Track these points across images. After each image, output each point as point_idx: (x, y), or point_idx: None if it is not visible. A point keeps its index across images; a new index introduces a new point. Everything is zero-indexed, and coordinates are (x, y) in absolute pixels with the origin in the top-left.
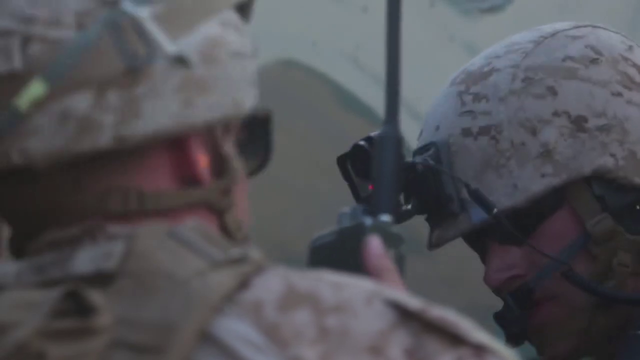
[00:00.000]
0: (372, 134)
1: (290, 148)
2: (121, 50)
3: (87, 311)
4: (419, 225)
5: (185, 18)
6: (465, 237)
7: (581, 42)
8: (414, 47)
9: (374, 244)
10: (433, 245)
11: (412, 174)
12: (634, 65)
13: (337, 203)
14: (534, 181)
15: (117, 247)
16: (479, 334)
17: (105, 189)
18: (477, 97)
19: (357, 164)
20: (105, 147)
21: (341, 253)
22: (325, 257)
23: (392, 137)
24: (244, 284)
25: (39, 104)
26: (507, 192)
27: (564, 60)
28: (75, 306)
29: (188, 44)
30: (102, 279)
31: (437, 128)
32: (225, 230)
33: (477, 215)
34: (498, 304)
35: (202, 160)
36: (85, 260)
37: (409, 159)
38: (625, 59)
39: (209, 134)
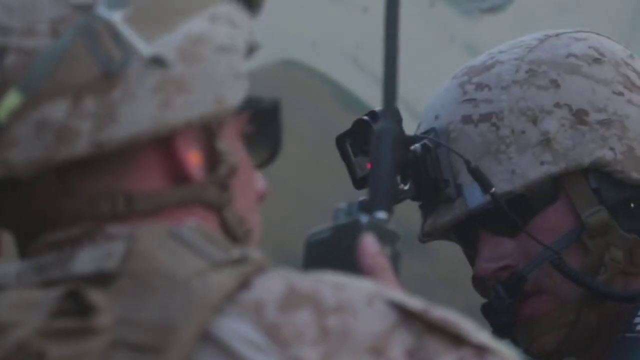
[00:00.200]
0: (376, 109)
1: (290, 148)
2: (96, 55)
3: (88, 311)
4: (418, 225)
5: (163, 17)
6: (456, 227)
7: (585, 43)
8: (414, 47)
9: (369, 242)
10: (425, 234)
11: (410, 157)
12: (635, 71)
13: (338, 203)
14: (532, 168)
15: (117, 248)
16: (480, 335)
17: (95, 192)
18: (480, 86)
19: (358, 139)
20: (84, 154)
21: (336, 250)
22: (320, 253)
23: (389, 131)
24: (244, 284)
25: (16, 115)
26: (505, 178)
27: (567, 57)
28: (75, 306)
29: (166, 43)
30: (102, 279)
31: (437, 117)
32: (225, 225)
33: (474, 200)
34: None
35: (193, 158)
36: (85, 260)
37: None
38: (627, 64)
39: (204, 129)
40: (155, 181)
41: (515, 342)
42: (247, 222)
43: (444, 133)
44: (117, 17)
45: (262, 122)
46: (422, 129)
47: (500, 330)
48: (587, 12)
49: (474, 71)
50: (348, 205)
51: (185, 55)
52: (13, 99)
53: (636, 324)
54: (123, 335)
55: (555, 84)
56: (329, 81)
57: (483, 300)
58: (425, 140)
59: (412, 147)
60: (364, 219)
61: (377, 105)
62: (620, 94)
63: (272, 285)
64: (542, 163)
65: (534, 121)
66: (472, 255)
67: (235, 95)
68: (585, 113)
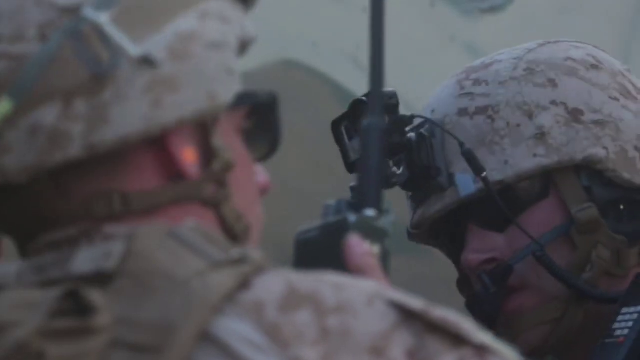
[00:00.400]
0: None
1: (290, 147)
2: (84, 58)
3: (87, 311)
4: None
5: (152, 16)
6: (445, 219)
7: (584, 51)
8: (414, 47)
9: (356, 242)
10: (414, 225)
11: (405, 142)
12: (631, 82)
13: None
14: (525, 159)
15: (116, 247)
16: (481, 335)
17: (90, 193)
18: (477, 82)
19: (355, 120)
20: (77, 157)
21: (325, 249)
22: (309, 252)
23: (377, 128)
24: (244, 284)
25: (8, 121)
26: (497, 167)
27: (565, 60)
28: (74, 306)
29: (155, 42)
30: (101, 278)
31: (433, 111)
32: (223, 222)
33: (465, 188)
34: None
35: (188, 155)
36: (84, 260)
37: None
38: (624, 75)
39: (198, 126)
40: (151, 180)
41: (498, 338)
42: (246, 218)
43: (440, 124)
44: (104, 19)
45: (260, 117)
46: (418, 121)
47: (483, 322)
48: (587, 12)
49: (472, 69)
50: (337, 202)
51: (175, 54)
52: (4, 106)
53: (615, 330)
54: (122, 335)
55: (552, 83)
56: (328, 81)
57: None
58: (421, 130)
59: (408, 135)
60: (351, 217)
61: None
62: (616, 99)
63: (272, 285)
64: (535, 155)
65: (530, 116)
66: (456, 254)
67: (227, 91)
68: (581, 112)
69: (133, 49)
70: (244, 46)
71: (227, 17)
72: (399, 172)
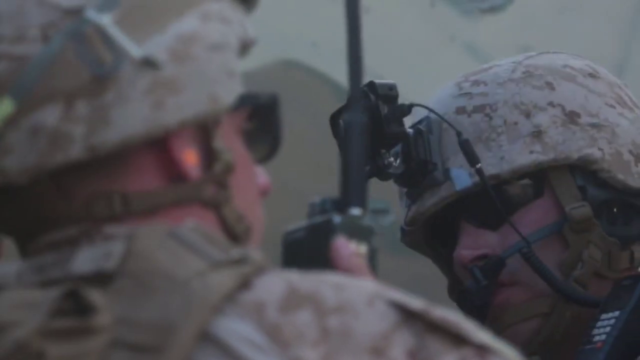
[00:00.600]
0: (376, 81)
1: (290, 148)
2: (86, 59)
3: (87, 311)
4: None
5: (154, 18)
6: (438, 216)
7: (582, 62)
8: (414, 47)
9: (342, 244)
10: (408, 222)
11: (401, 133)
12: (627, 94)
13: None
14: (521, 155)
15: (116, 247)
16: (481, 334)
17: (91, 194)
18: (476, 83)
19: None
20: (78, 158)
21: (312, 250)
22: (296, 253)
23: (357, 123)
24: (245, 284)
25: (10, 122)
26: (493, 162)
27: (564, 66)
28: (74, 306)
29: (157, 44)
30: (101, 278)
31: (431, 112)
32: (224, 223)
33: (461, 182)
34: None
35: (189, 157)
36: (85, 260)
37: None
38: (620, 87)
39: (200, 128)
40: (152, 181)
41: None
42: (246, 220)
43: (437, 123)
44: (106, 20)
45: (261, 118)
46: (416, 119)
47: (472, 317)
48: (587, 12)
49: (471, 73)
50: (321, 200)
51: (177, 55)
52: (6, 106)
53: (594, 335)
54: (122, 335)
55: (550, 86)
56: (329, 81)
57: None
58: (419, 126)
59: (408, 130)
60: (336, 218)
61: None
62: (612, 106)
63: (272, 285)
64: (531, 152)
65: (527, 115)
66: (446, 257)
67: (229, 93)
68: (577, 115)
69: (135, 51)
70: (245, 47)
71: (228, 18)
72: (396, 164)
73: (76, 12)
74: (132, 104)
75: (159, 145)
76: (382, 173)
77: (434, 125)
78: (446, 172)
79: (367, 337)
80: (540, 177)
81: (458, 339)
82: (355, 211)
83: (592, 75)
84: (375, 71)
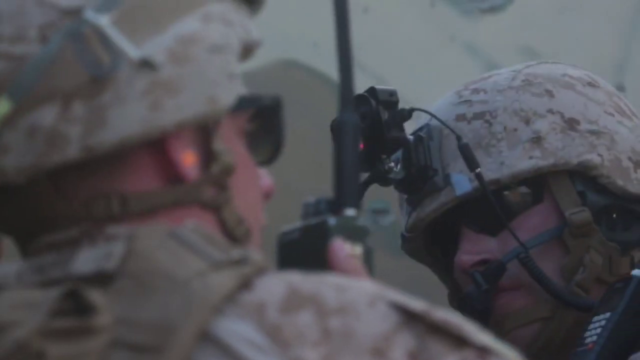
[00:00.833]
0: (377, 86)
1: (291, 148)
2: (84, 60)
3: (87, 311)
4: None
5: (153, 19)
6: (439, 222)
7: (581, 71)
8: (414, 47)
9: (338, 246)
10: (409, 228)
11: (403, 138)
12: (626, 104)
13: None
14: (521, 160)
15: (117, 248)
16: (482, 336)
17: (90, 194)
18: (476, 91)
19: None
20: (74, 159)
21: (307, 251)
22: (291, 255)
23: (350, 123)
24: (246, 285)
25: (7, 121)
26: (493, 168)
27: (563, 75)
28: (75, 306)
29: (156, 45)
30: (102, 279)
31: (431, 119)
32: (224, 225)
33: (461, 187)
34: None
35: (187, 158)
36: (85, 260)
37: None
38: (619, 97)
39: (199, 129)
40: (150, 182)
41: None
42: (246, 222)
43: (437, 130)
44: (104, 21)
45: (264, 120)
46: (416, 126)
47: (474, 321)
48: (587, 12)
49: (471, 82)
50: (316, 201)
51: (176, 57)
52: (3, 106)
53: (586, 338)
54: (123, 335)
55: (549, 94)
56: (329, 81)
57: None
58: (420, 133)
59: (410, 136)
60: (331, 220)
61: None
62: (611, 114)
63: (273, 286)
64: (531, 157)
65: (527, 121)
66: (446, 265)
67: (228, 94)
68: (577, 122)
69: (133, 52)
70: (248, 50)
71: (230, 20)
72: (396, 169)
73: (75, 13)
74: (129, 105)
75: (157, 146)
76: (383, 178)
77: (434, 131)
78: (446, 178)
79: (368, 338)
80: (539, 182)
81: (459, 341)
82: (350, 212)
83: (591, 84)
84: (375, 71)
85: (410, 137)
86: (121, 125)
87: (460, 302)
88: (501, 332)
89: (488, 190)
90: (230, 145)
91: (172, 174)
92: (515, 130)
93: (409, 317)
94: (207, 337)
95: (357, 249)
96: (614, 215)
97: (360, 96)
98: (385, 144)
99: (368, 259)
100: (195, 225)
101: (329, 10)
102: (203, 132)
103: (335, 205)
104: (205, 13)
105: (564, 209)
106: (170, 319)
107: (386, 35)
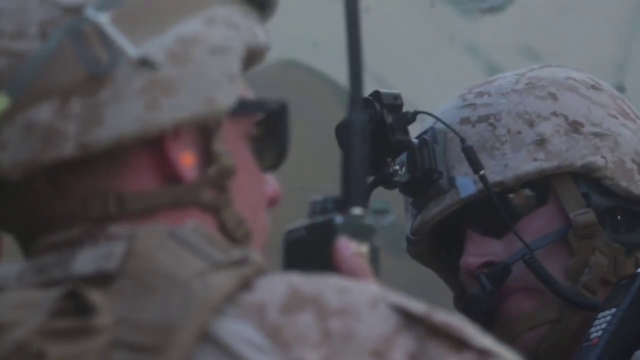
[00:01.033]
0: (381, 90)
1: (291, 148)
2: (83, 57)
3: (87, 311)
4: None
5: (154, 19)
6: (443, 225)
7: (584, 75)
8: (414, 47)
9: (344, 245)
10: (414, 231)
11: (406, 142)
12: (629, 107)
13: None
14: (525, 163)
15: (117, 248)
16: (483, 339)
17: (88, 193)
18: (480, 94)
19: None
20: (70, 156)
21: (313, 249)
22: (297, 252)
23: (359, 123)
24: (247, 286)
25: (5, 117)
26: (497, 170)
27: (566, 78)
28: (75, 306)
29: (156, 44)
30: (102, 279)
31: (435, 123)
32: (223, 227)
33: (466, 189)
34: None
35: (185, 159)
36: (85, 260)
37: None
38: (622, 100)
39: (200, 130)
40: (148, 182)
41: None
42: (247, 224)
43: (441, 133)
44: (104, 19)
45: (270, 125)
46: (421, 130)
47: (479, 323)
48: (587, 12)
49: (475, 86)
50: (323, 199)
51: (175, 57)
52: (1, 102)
53: (591, 334)
54: (123, 335)
55: (553, 97)
56: (329, 81)
57: None
58: (424, 136)
59: (414, 139)
60: (338, 219)
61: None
62: (615, 117)
63: (274, 287)
64: (535, 159)
65: (531, 124)
66: (451, 269)
67: (227, 96)
68: (580, 124)
69: (132, 50)
70: (256, 53)
71: (235, 22)
72: (401, 172)
73: (76, 10)
74: (126, 103)
75: (155, 146)
76: (388, 181)
77: (439, 135)
78: (451, 181)
79: (369, 340)
80: (544, 184)
81: (459, 344)
82: (357, 211)
83: (595, 87)
84: (375, 71)
85: (415, 141)
86: (117, 123)
87: (466, 304)
88: (509, 335)
89: (492, 193)
90: (233, 147)
91: (170, 174)
92: (519, 132)
93: (410, 320)
94: (207, 338)
95: (363, 248)
96: (618, 217)
97: (364, 99)
98: (390, 147)
99: (374, 258)
100: (196, 225)
101: (329, 10)
102: (204, 133)
103: (342, 204)
104: (209, 15)
105: (568, 210)
106: (170, 319)
107: (386, 35)
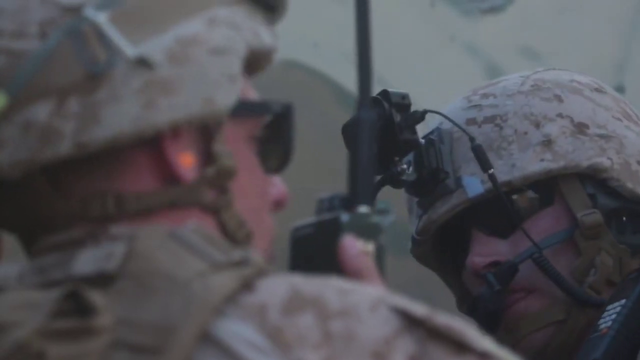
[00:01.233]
0: (389, 89)
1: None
2: (81, 56)
3: (88, 311)
4: None
5: (153, 19)
6: (449, 225)
7: (588, 78)
8: (414, 47)
9: (350, 244)
10: (419, 231)
11: (413, 140)
12: (632, 110)
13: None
14: (532, 163)
15: (118, 248)
16: (484, 342)
17: (87, 193)
18: (485, 95)
19: None
20: (67, 155)
21: (319, 248)
22: (304, 250)
23: (367, 121)
24: (248, 287)
25: (3, 116)
26: (504, 170)
27: (571, 81)
28: (75, 306)
29: (155, 44)
30: (102, 279)
31: (441, 123)
32: (224, 228)
33: (473, 189)
34: None
35: (185, 159)
36: (86, 261)
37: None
38: (625, 103)
39: (201, 131)
40: (147, 182)
41: (500, 342)
42: (248, 225)
43: (448, 133)
44: (103, 18)
45: (275, 127)
46: (426, 129)
47: (485, 323)
48: (587, 12)
49: (480, 87)
50: (330, 197)
51: (174, 57)
52: (0, 101)
53: (600, 325)
54: (123, 335)
55: (558, 99)
56: (330, 82)
57: None
58: (431, 136)
59: (421, 139)
60: (344, 217)
61: None
62: (619, 119)
63: (275, 288)
64: (542, 160)
65: (537, 125)
66: (455, 269)
67: (227, 97)
68: (586, 126)
69: (130, 50)
70: (262, 55)
71: (237, 23)
72: (409, 171)
73: (76, 10)
74: (123, 103)
75: (154, 146)
76: (396, 180)
77: (445, 135)
78: (458, 180)
79: (370, 342)
80: (550, 185)
81: (460, 346)
82: (363, 209)
83: (598, 90)
84: (375, 71)
85: (422, 141)
86: (114, 122)
87: (472, 304)
88: (515, 336)
89: (501, 191)
90: (235, 148)
91: (169, 175)
92: (526, 133)
93: (411, 322)
94: (207, 338)
95: (369, 247)
96: (624, 218)
97: (373, 99)
98: (398, 146)
99: (380, 256)
100: (196, 225)
101: (330, 11)
102: (204, 133)
103: (348, 202)
104: (210, 16)
105: (575, 211)
106: (170, 319)
107: (386, 35)
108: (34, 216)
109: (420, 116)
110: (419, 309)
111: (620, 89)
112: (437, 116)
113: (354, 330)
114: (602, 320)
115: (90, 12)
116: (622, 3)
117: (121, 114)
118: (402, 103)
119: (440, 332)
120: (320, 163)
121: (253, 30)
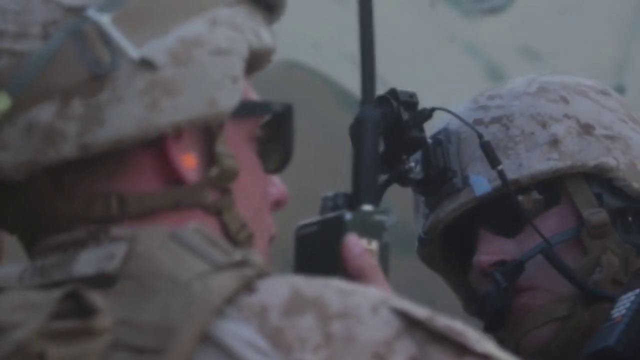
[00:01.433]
0: (397, 88)
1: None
2: (84, 57)
3: (88, 312)
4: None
5: (156, 20)
6: (456, 224)
7: (593, 81)
8: (414, 47)
9: (353, 243)
10: (426, 230)
11: (423, 138)
12: (636, 114)
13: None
14: (539, 162)
15: (119, 249)
16: (485, 344)
17: (90, 194)
18: (492, 97)
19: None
20: (70, 156)
21: (323, 246)
22: (308, 248)
23: (371, 119)
24: (249, 288)
25: (6, 118)
26: (512, 169)
27: (577, 84)
28: (76, 307)
29: (158, 45)
30: (103, 280)
31: (449, 123)
32: (226, 229)
33: (480, 188)
34: None
35: (187, 161)
36: (87, 262)
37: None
38: (629, 107)
39: (203, 132)
40: (150, 183)
41: (503, 341)
42: (249, 226)
43: (455, 133)
44: (106, 19)
45: (275, 127)
46: (432, 128)
47: (492, 321)
48: (587, 12)
49: (487, 90)
50: (334, 195)
51: (177, 58)
52: (3, 102)
53: (612, 314)
54: (123, 336)
55: (564, 100)
56: (330, 82)
57: None
58: (438, 136)
59: (428, 138)
60: (347, 215)
61: None
62: (625, 121)
63: (276, 289)
64: (548, 159)
65: (543, 125)
66: (461, 270)
67: (229, 98)
68: (592, 127)
69: (133, 51)
70: (262, 55)
71: (239, 24)
72: (416, 170)
73: (78, 11)
74: (127, 104)
75: (157, 147)
76: (403, 178)
77: (452, 135)
78: (465, 179)
79: (370, 343)
80: (556, 184)
81: (461, 348)
82: (367, 207)
83: (604, 93)
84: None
85: (429, 140)
86: (118, 124)
87: (479, 302)
88: (520, 332)
89: (511, 188)
90: (236, 149)
91: (172, 176)
92: (533, 133)
93: (411, 324)
94: (208, 339)
95: (373, 245)
96: (630, 218)
97: (381, 97)
98: (406, 144)
99: (383, 254)
100: (197, 226)
101: (330, 11)
102: (206, 134)
103: (352, 200)
104: (212, 17)
105: (581, 209)
106: (171, 320)
107: (386, 35)
108: (36, 217)
109: (428, 114)
110: (419, 311)
111: (620, 89)
112: (444, 116)
113: (354, 331)
114: (615, 310)
115: (93, 13)
116: (622, 3)
117: (125, 116)
118: (409, 101)
119: (441, 334)
120: (320, 163)
121: (254, 30)
